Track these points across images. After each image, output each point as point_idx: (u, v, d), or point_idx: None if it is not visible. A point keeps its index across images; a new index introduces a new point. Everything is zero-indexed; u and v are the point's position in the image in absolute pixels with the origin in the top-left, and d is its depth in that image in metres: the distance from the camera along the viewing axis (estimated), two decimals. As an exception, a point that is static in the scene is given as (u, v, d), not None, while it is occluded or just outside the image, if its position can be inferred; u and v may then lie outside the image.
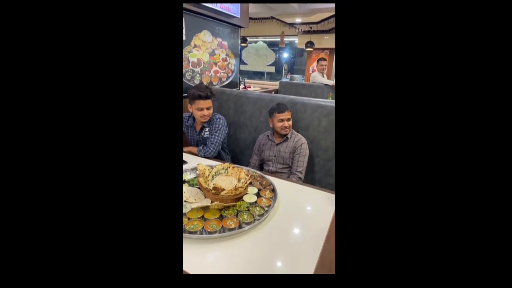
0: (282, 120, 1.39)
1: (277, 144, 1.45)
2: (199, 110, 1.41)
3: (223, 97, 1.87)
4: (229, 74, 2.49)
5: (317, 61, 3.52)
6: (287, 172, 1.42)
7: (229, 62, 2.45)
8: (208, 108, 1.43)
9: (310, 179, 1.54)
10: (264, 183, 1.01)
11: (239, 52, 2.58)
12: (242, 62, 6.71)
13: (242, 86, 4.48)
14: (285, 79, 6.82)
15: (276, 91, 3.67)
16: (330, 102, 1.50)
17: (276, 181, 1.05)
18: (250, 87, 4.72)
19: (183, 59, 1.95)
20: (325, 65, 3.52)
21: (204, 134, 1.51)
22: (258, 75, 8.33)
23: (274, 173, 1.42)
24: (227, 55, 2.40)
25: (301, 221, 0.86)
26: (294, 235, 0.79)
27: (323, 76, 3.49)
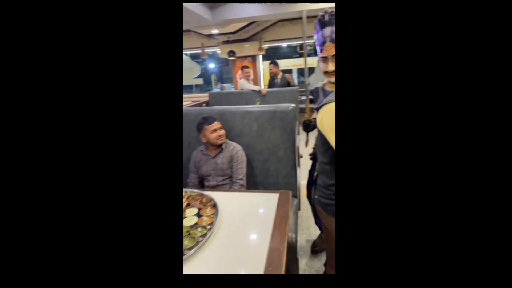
0: (215, 130, 1.39)
1: (213, 157, 1.42)
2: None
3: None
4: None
5: (242, 69, 3.67)
6: (229, 183, 1.41)
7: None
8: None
9: (252, 183, 1.57)
10: (204, 201, 0.98)
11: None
12: (167, 77, 6.39)
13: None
14: (216, 89, 6.85)
15: (207, 103, 3.64)
16: (257, 107, 1.57)
17: (218, 195, 1.03)
18: (180, 102, 4.54)
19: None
20: (249, 72, 3.69)
21: None
22: (188, 88, 8.11)
23: (215, 187, 1.40)
24: (145, 73, 2.26)
25: (247, 227, 0.86)
26: (241, 243, 0.78)
27: (249, 83, 3.65)
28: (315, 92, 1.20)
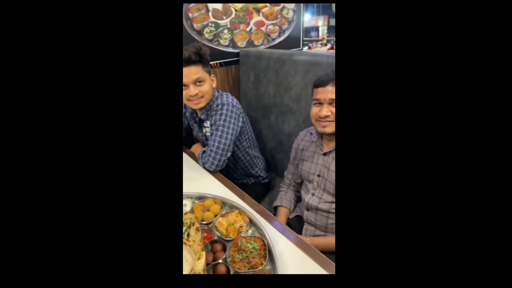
0: (319, 103, 0.75)
1: (324, 154, 0.84)
2: (184, 87, 0.91)
3: (260, 64, 1.34)
4: (284, 27, 1.77)
5: None
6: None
7: (283, 7, 1.73)
8: (197, 83, 0.90)
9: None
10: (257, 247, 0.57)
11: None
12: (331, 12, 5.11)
13: (307, 47, 3.37)
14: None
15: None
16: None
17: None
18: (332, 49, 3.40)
19: (200, 7, 1.36)
20: None
21: (204, 129, 1.04)
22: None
23: (314, 211, 0.85)
24: (278, -4, 1.70)
25: None
26: None
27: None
28: None
